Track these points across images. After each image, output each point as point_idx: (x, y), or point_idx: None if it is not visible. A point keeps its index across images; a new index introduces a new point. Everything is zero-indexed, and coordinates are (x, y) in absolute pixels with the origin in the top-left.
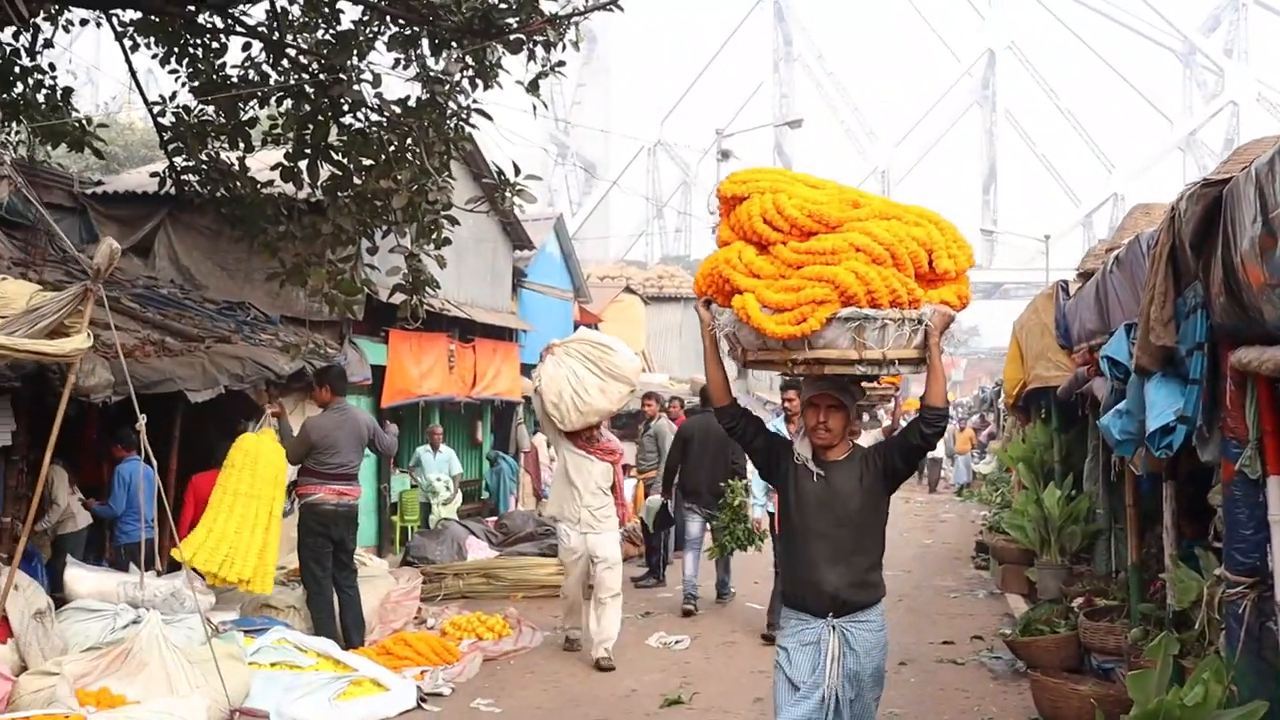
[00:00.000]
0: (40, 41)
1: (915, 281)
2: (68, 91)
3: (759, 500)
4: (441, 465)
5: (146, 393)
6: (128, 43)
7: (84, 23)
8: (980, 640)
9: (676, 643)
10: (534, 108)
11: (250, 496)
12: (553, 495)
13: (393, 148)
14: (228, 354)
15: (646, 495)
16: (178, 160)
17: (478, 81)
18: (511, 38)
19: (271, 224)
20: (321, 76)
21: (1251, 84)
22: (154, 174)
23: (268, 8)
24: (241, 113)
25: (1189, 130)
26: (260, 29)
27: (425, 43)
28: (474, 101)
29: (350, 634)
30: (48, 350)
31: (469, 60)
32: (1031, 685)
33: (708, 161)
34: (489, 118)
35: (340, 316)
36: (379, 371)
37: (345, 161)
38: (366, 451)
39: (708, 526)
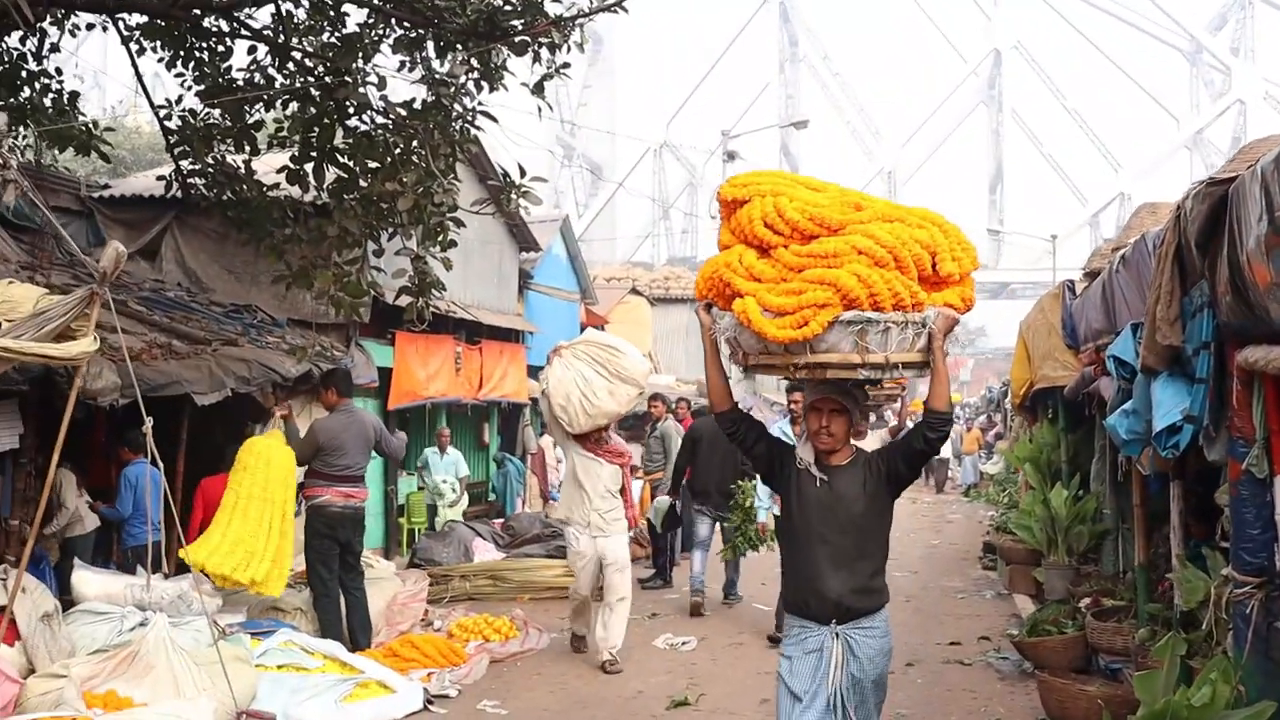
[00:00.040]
0: (47, 46)
1: (918, 284)
2: (74, 95)
3: (763, 504)
4: (449, 467)
5: (153, 395)
6: (134, 47)
7: (90, 27)
8: (987, 641)
9: (683, 644)
10: (539, 110)
11: (264, 500)
12: (561, 498)
13: (398, 150)
14: (234, 357)
15: (653, 497)
16: (184, 164)
17: (483, 84)
18: (516, 40)
19: (278, 227)
20: (327, 79)
21: (1259, 82)
22: (160, 177)
23: (273, 11)
24: (247, 116)
25: (1196, 129)
26: (265, 32)
27: (430, 45)
28: (479, 104)
29: (357, 636)
30: (54, 353)
31: (474, 62)
32: (1039, 686)
33: (713, 163)
34: (494, 120)
35: (347, 319)
36: (386, 374)
37: (351, 164)
38: (373, 454)
39: (717, 527)
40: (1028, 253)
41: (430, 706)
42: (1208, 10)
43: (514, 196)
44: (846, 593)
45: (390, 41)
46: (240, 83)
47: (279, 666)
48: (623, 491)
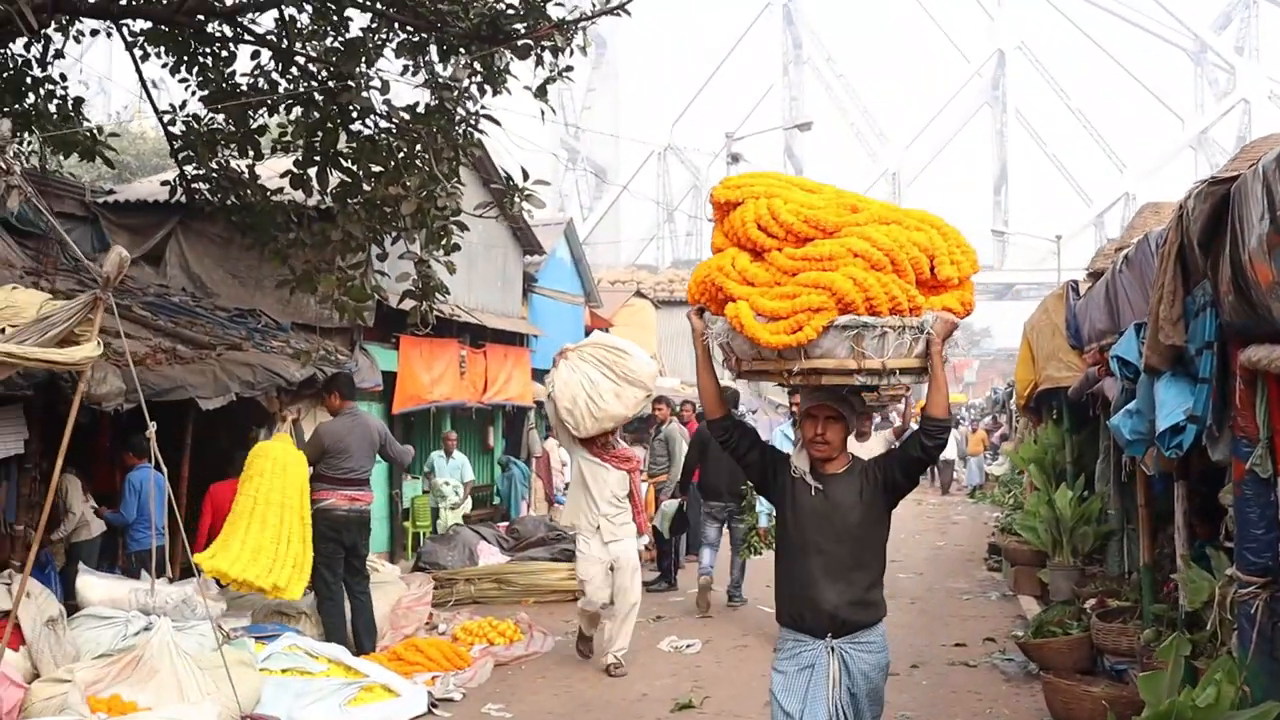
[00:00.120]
0: (51, 52)
1: (916, 288)
2: (79, 101)
3: (764, 508)
4: (454, 471)
5: (158, 400)
6: (138, 53)
7: (95, 33)
8: (992, 642)
9: (688, 647)
10: (542, 113)
11: (282, 505)
12: (568, 504)
13: (402, 154)
14: (239, 361)
15: (657, 499)
16: (188, 169)
17: (486, 87)
18: (519, 43)
19: (282, 231)
20: (330, 84)
21: (1263, 82)
22: (165, 182)
23: (276, 16)
24: (251, 121)
25: (1201, 129)
26: (269, 37)
27: (433, 49)
28: (482, 107)
29: (362, 640)
30: (58, 358)
31: (477, 66)
32: (1044, 687)
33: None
34: (498, 123)
35: (351, 323)
36: (390, 378)
37: (354, 168)
38: (378, 458)
39: (726, 529)
40: (1032, 253)
41: (435, 710)
42: (1212, 9)
43: (517, 200)
44: (842, 605)
45: (393, 46)
46: (244, 88)
47: (283, 670)
48: (631, 497)
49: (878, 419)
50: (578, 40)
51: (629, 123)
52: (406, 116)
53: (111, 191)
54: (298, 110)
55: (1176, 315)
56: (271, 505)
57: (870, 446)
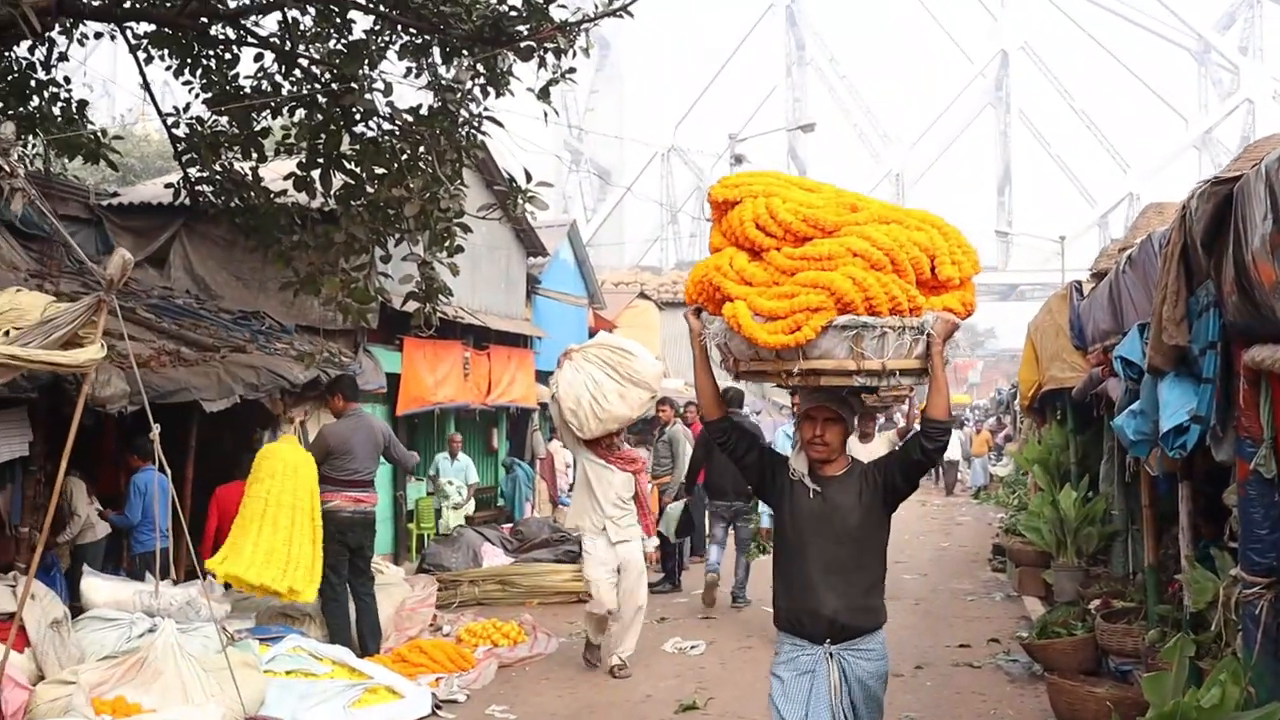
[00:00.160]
0: (55, 55)
1: (917, 288)
2: (83, 104)
3: (766, 509)
4: (459, 472)
5: (162, 402)
6: (142, 55)
7: (99, 36)
8: (997, 643)
9: (692, 648)
10: (545, 115)
11: (293, 507)
12: (573, 506)
13: (405, 156)
14: (243, 363)
15: (660, 500)
16: (192, 171)
17: (489, 89)
18: (522, 45)
19: (285, 233)
20: (333, 86)
21: (1267, 81)
22: (169, 185)
23: (279, 19)
24: (254, 123)
25: (1204, 129)
26: (272, 40)
27: (436, 51)
28: (485, 109)
29: (366, 641)
30: (62, 361)
31: (480, 68)
32: (1048, 688)
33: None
34: (501, 125)
35: (354, 325)
36: (394, 379)
37: (358, 170)
38: (381, 460)
39: (732, 529)
40: (1036, 254)
41: (439, 711)
42: (1216, 9)
43: (521, 202)
44: (842, 609)
45: (396, 48)
46: (247, 90)
47: (287, 672)
48: (637, 499)
49: (881, 420)
50: (581, 42)
51: (632, 124)
52: (410, 118)
53: (115, 194)
54: (301, 112)
55: (1180, 315)
56: (283, 507)
57: (874, 448)
